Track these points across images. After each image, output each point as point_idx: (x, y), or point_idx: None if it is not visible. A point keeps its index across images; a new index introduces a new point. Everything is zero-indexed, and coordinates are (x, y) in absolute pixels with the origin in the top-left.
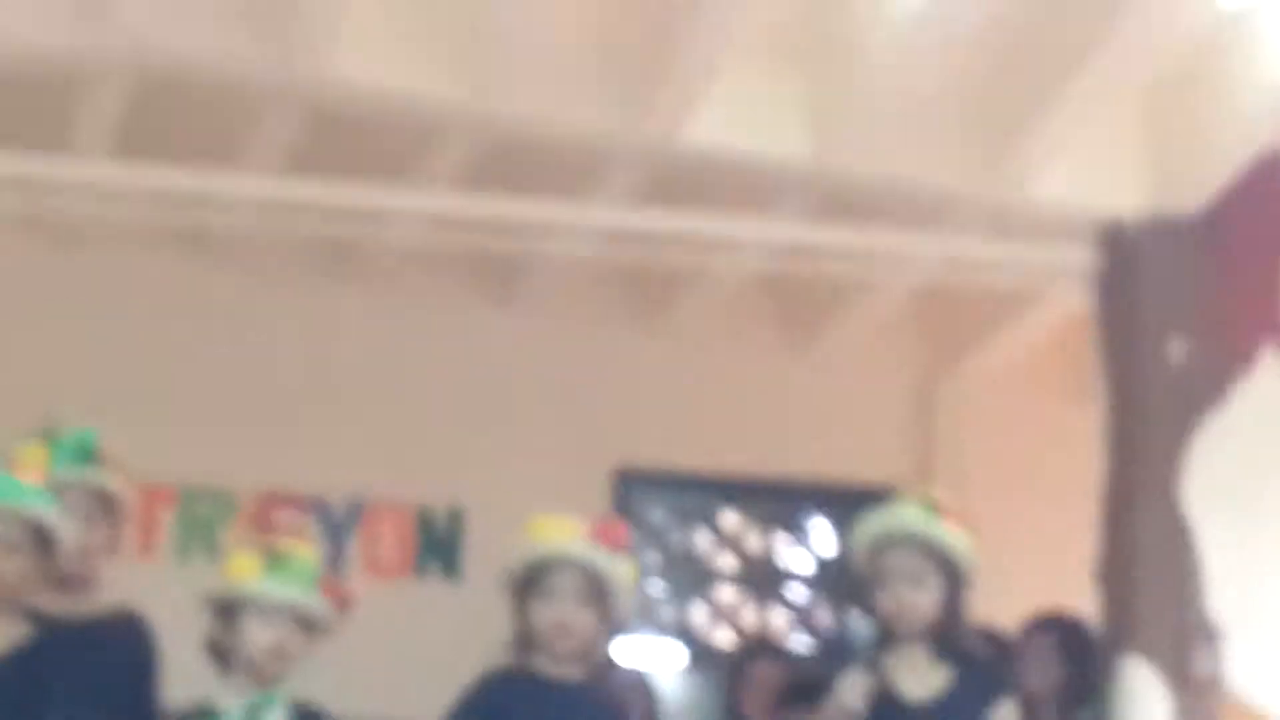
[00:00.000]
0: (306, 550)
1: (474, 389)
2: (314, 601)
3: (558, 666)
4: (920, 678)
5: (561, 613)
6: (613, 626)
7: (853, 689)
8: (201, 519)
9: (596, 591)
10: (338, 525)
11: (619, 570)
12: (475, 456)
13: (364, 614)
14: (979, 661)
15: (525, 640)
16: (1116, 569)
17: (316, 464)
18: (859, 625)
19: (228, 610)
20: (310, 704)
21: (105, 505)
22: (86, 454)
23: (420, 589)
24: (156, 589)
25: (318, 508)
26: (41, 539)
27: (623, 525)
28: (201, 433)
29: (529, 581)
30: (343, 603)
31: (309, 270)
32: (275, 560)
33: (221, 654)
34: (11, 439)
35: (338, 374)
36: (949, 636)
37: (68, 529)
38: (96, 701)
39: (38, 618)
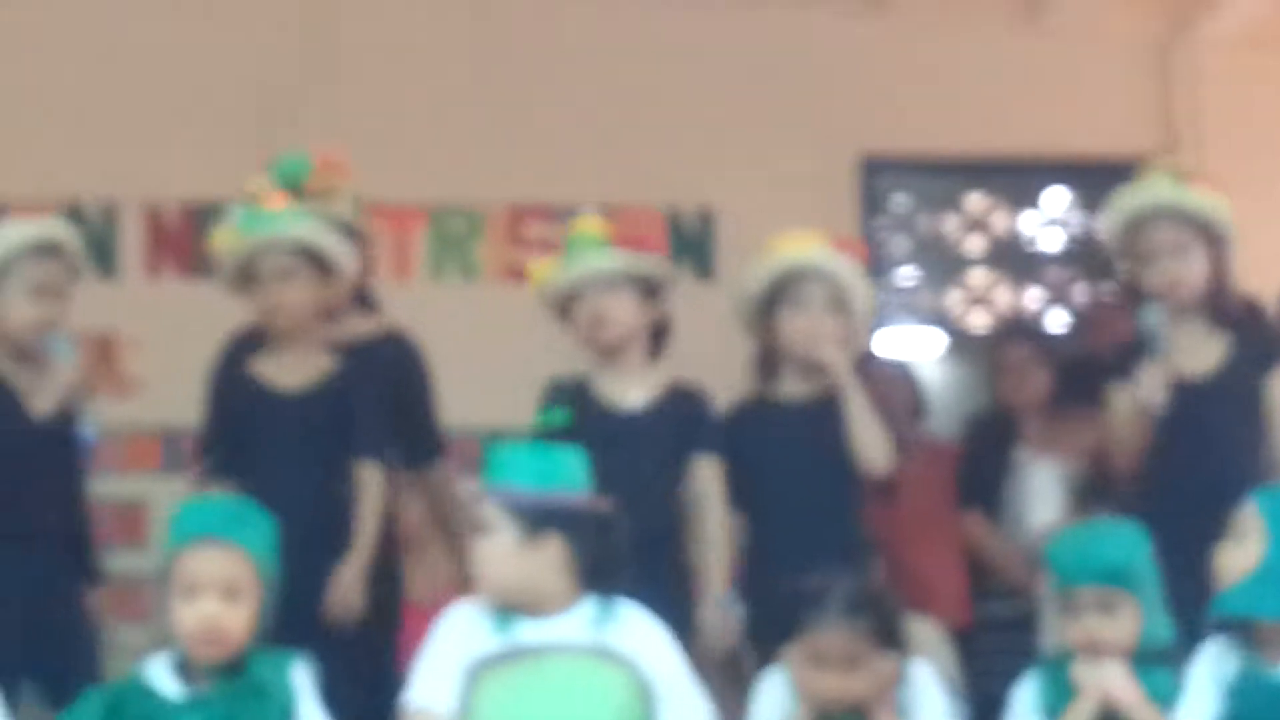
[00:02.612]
0: (592, 223)
1: (712, 83)
2: (642, 262)
3: (802, 384)
4: (1197, 353)
5: (811, 320)
6: (852, 344)
7: (1152, 381)
8: (453, 237)
9: (841, 303)
10: None
11: (862, 284)
12: (720, 153)
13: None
14: (1253, 327)
15: (768, 362)
16: None
17: (563, 173)
18: (1148, 315)
19: (565, 305)
20: (684, 381)
21: (345, 232)
22: (295, 184)
23: (674, 291)
24: (414, 308)
25: (567, 217)
26: (315, 264)
27: (863, 244)
28: (446, 150)
29: (774, 294)
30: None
31: None
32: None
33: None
34: (254, 168)
35: (574, 77)
36: (1221, 304)
37: (339, 247)
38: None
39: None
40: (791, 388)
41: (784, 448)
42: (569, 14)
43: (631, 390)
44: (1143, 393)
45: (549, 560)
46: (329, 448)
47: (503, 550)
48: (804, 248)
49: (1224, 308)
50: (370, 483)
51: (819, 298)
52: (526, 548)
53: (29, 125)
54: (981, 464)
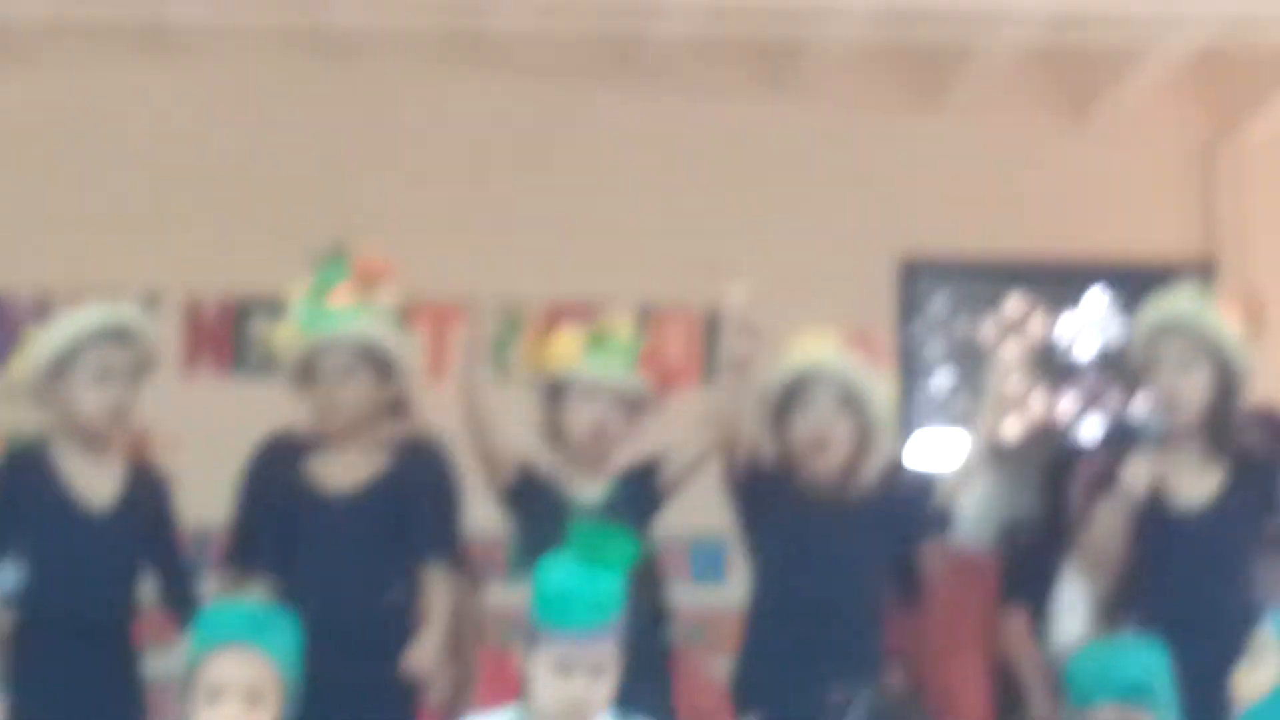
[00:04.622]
0: (627, 330)
1: (753, 182)
2: (632, 381)
3: (816, 488)
4: (1193, 480)
5: (819, 424)
6: (871, 443)
7: (1136, 475)
8: (491, 334)
9: (853, 403)
10: None
11: (875, 382)
12: (760, 252)
13: (654, 423)
14: (1253, 462)
15: (785, 462)
16: None
17: (601, 271)
18: (1146, 414)
19: (555, 393)
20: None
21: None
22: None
23: (708, 395)
24: (450, 407)
25: (604, 315)
26: (377, 364)
27: (879, 336)
28: (486, 246)
29: (785, 398)
30: (664, 381)
31: (585, 69)
32: (596, 341)
33: (553, 435)
34: (298, 262)
35: (617, 175)
36: (1220, 432)
37: (403, 347)
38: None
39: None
40: (808, 490)
41: (815, 553)
42: (608, 110)
43: (588, 486)
44: (1127, 484)
45: None
46: (384, 548)
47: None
48: (809, 351)
49: (1223, 436)
50: (437, 585)
51: (826, 401)
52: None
53: (71, 215)
54: (1029, 567)
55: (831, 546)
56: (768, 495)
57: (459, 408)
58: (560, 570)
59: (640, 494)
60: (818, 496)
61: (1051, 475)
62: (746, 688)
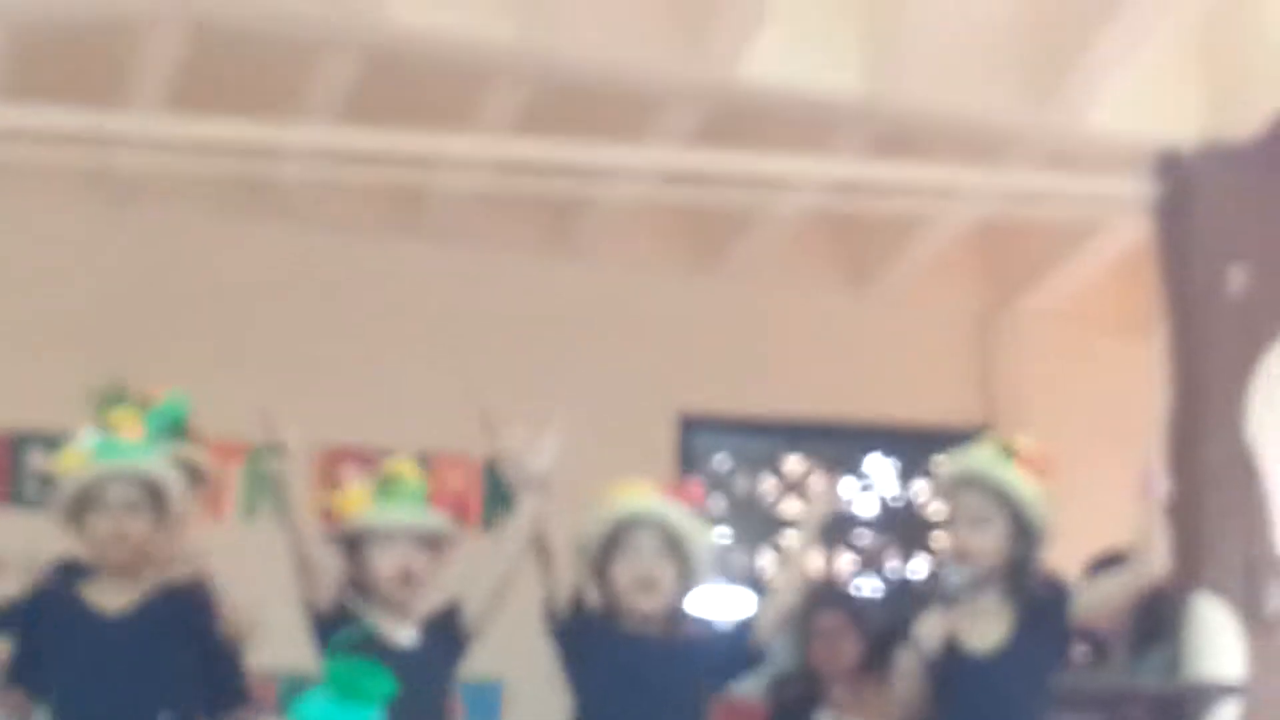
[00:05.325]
0: (413, 472)
1: (534, 336)
2: (429, 520)
3: (641, 629)
4: (985, 626)
5: (644, 566)
6: (694, 585)
7: (929, 631)
8: (268, 476)
9: (676, 548)
10: None
11: (697, 527)
12: (539, 405)
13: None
14: (1042, 605)
15: (607, 609)
16: (1184, 505)
17: (382, 417)
18: (951, 571)
19: (353, 545)
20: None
21: (191, 476)
22: (177, 426)
23: (488, 541)
24: (226, 547)
25: (384, 461)
26: (157, 500)
27: (698, 485)
28: (265, 388)
29: (607, 545)
30: (461, 512)
31: (368, 220)
32: (384, 487)
33: (360, 587)
34: (77, 398)
35: (399, 324)
36: (1014, 584)
37: (179, 491)
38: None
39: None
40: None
41: (641, 691)
42: (394, 260)
43: (400, 631)
44: (919, 639)
45: None
46: (154, 671)
47: None
48: (633, 497)
49: (1017, 586)
50: None
51: (650, 544)
52: None
53: None
54: None
55: (657, 684)
56: (593, 636)
57: (284, 539)
58: (317, 706)
59: (446, 638)
60: (643, 636)
61: (808, 631)
62: None
